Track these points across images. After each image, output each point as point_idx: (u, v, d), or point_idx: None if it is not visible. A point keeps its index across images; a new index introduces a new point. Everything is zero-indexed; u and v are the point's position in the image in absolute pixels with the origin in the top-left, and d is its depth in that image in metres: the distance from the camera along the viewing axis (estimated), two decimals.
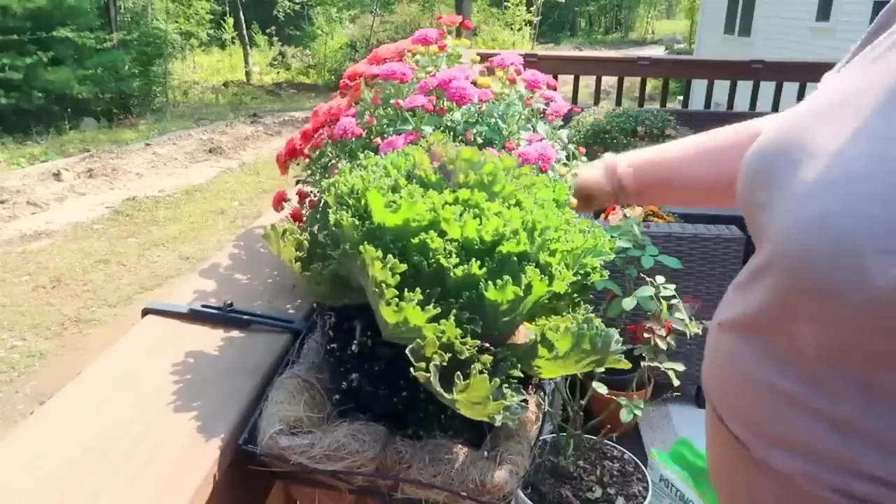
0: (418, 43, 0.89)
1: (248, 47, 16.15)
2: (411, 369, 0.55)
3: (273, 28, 17.44)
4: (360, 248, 0.57)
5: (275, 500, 0.88)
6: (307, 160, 0.91)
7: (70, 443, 0.70)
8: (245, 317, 0.94)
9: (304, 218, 0.87)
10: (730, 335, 0.74)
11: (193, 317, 0.95)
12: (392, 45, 0.91)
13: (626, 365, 0.65)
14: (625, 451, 2.20)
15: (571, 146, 0.83)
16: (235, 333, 0.93)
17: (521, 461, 0.71)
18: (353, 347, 0.73)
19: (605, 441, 2.21)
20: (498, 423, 0.57)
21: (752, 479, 0.72)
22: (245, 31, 15.88)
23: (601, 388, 1.87)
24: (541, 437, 0.81)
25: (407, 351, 0.56)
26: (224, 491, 0.71)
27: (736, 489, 0.78)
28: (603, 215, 2.44)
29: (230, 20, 16.49)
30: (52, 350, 4.17)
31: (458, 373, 0.55)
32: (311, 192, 0.90)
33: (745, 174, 0.72)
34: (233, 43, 16.73)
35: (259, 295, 1.05)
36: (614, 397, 1.89)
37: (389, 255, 0.57)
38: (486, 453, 0.71)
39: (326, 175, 0.83)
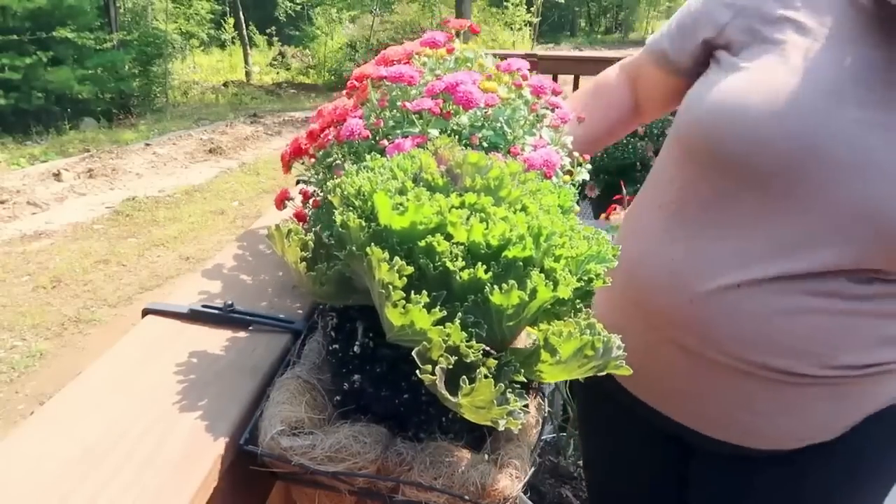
0: (426, 46, 0.89)
1: (247, 47, 16.13)
2: (417, 372, 0.55)
3: (273, 28, 17.45)
4: (367, 249, 0.57)
5: (275, 500, 0.88)
6: (312, 160, 0.91)
7: (70, 443, 0.70)
8: (245, 317, 0.94)
9: (309, 218, 0.86)
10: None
11: (194, 317, 0.95)
12: (400, 47, 0.91)
13: (626, 371, 0.65)
14: None
15: (576, 153, 0.84)
16: (236, 334, 0.93)
17: (522, 465, 0.71)
18: (355, 349, 0.73)
19: None
20: (501, 428, 0.57)
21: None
22: (245, 31, 15.87)
23: None
24: (541, 439, 0.81)
25: (413, 353, 0.56)
26: (225, 491, 0.71)
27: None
28: (603, 215, 2.43)
29: (230, 20, 16.49)
30: (52, 350, 4.16)
31: (464, 377, 0.55)
32: (315, 192, 0.90)
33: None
34: (233, 43, 16.72)
35: (259, 295, 1.05)
36: None
37: (396, 258, 0.57)
38: (486, 456, 0.71)
39: (331, 175, 0.83)
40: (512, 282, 0.57)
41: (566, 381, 2.21)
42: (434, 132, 0.75)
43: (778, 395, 0.93)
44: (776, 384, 0.92)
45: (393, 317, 0.57)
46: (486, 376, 0.54)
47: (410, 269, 0.57)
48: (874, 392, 0.94)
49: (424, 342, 0.56)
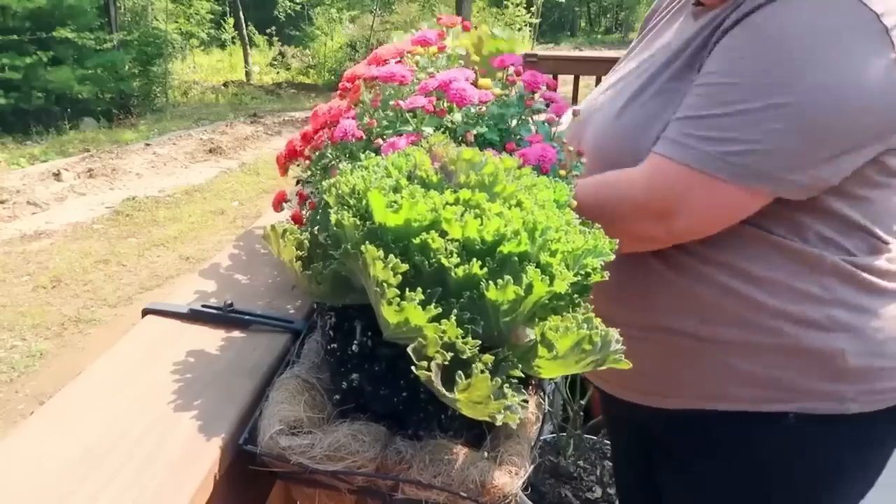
0: (418, 44, 0.89)
1: (247, 47, 16.10)
2: (413, 368, 0.55)
3: (273, 28, 17.42)
4: (362, 247, 0.57)
5: (275, 500, 0.88)
6: (307, 161, 0.91)
7: (70, 443, 0.70)
8: (245, 317, 0.94)
9: (305, 220, 0.86)
10: None
11: (193, 317, 0.95)
12: (391, 46, 0.91)
13: (625, 365, 0.65)
14: None
15: (571, 147, 0.83)
16: (235, 333, 0.93)
17: (522, 462, 0.71)
18: (354, 347, 0.73)
19: (605, 441, 2.21)
20: (499, 423, 0.57)
21: None
22: (245, 31, 15.84)
23: None
24: (541, 438, 0.81)
25: (409, 350, 0.56)
26: (224, 491, 0.71)
27: None
28: None
29: (230, 20, 16.47)
30: (52, 350, 4.16)
31: (460, 372, 0.55)
32: (312, 193, 0.90)
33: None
34: (233, 43, 16.70)
35: (259, 295, 1.05)
36: None
37: (391, 255, 0.57)
38: (486, 454, 0.71)
39: (326, 176, 0.83)
40: (507, 277, 0.57)
41: (566, 381, 2.21)
42: (428, 130, 0.75)
43: (633, 346, 0.97)
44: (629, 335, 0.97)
45: (388, 314, 0.57)
46: (482, 371, 0.54)
47: (405, 267, 0.57)
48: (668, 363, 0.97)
49: (420, 339, 0.56)
